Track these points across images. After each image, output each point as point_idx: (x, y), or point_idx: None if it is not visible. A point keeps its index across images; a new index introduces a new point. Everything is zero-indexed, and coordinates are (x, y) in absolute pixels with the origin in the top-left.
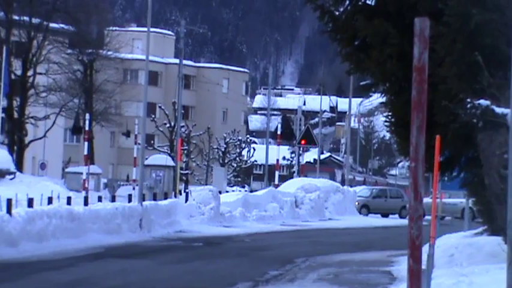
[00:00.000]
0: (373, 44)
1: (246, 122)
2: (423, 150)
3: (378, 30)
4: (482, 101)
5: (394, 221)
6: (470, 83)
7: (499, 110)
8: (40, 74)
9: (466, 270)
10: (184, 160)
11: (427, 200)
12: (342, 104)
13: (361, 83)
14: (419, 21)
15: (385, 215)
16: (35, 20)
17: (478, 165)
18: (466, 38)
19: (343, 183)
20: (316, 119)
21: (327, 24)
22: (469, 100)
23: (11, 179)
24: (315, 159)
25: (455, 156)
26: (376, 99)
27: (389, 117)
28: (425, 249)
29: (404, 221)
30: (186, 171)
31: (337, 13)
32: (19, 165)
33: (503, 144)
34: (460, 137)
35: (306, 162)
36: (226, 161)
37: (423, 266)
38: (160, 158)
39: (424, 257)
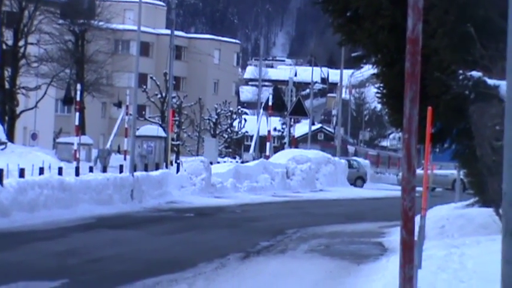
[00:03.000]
0: (365, 15)
1: (237, 93)
2: (416, 121)
3: (370, 2)
4: (474, 73)
5: (385, 192)
6: (462, 54)
7: (491, 81)
8: (31, 44)
9: (457, 242)
10: (175, 131)
11: (418, 171)
12: (333, 75)
13: (353, 54)
14: None
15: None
16: None
17: (470, 136)
18: (458, 9)
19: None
20: (308, 90)
21: None
22: (461, 72)
23: (2, 149)
24: (308, 132)
25: (446, 127)
26: (368, 70)
27: (381, 88)
28: (416, 220)
29: (397, 193)
30: (178, 142)
31: None
32: (10, 135)
33: (495, 116)
34: (452, 109)
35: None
36: (217, 132)
37: (415, 238)
38: (152, 129)
39: (416, 228)
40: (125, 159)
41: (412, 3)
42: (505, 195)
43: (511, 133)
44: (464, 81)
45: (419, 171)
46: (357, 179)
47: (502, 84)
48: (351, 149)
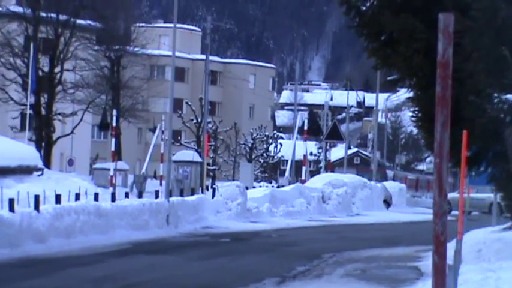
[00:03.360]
0: (399, 39)
1: (273, 118)
2: (447, 146)
3: (405, 25)
4: (509, 96)
5: (422, 216)
6: (497, 77)
7: None
8: (67, 70)
9: (493, 266)
10: (211, 156)
11: (454, 195)
12: (369, 99)
13: (388, 78)
14: (444, 17)
15: None
16: (62, 17)
17: (506, 160)
18: (493, 33)
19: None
20: (343, 114)
21: (353, 19)
22: (496, 95)
23: (39, 175)
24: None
25: (482, 151)
26: (404, 94)
27: (416, 112)
28: (452, 244)
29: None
30: (213, 167)
31: (363, 8)
32: (47, 161)
33: None
34: (488, 132)
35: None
36: (253, 157)
37: (450, 262)
38: (187, 154)
39: (451, 252)
40: (160, 184)
41: (442, 27)
42: None
43: None
44: (500, 104)
45: (455, 194)
46: (382, 202)
47: None
48: (389, 173)
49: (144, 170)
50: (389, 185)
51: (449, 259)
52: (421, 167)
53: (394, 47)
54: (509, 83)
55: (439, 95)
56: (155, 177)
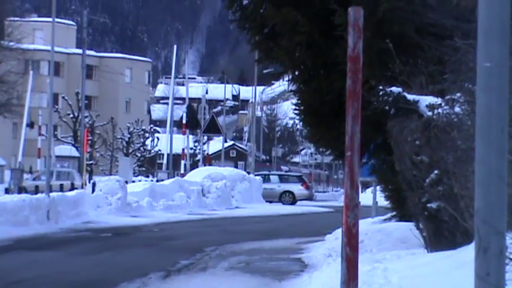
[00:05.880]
0: (282, 32)
1: (149, 112)
2: (358, 139)
3: (287, 19)
4: (394, 88)
5: (301, 208)
6: (381, 70)
7: (410, 96)
8: None
9: (378, 256)
10: (88, 150)
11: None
12: (244, 92)
13: (265, 71)
14: (353, 11)
15: None
16: None
17: (387, 151)
18: (375, 26)
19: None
20: (219, 108)
21: (235, 13)
22: (381, 87)
23: None
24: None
25: (365, 143)
26: (279, 87)
27: (299, 105)
28: (335, 235)
29: (311, 208)
30: (91, 162)
31: (245, 1)
32: None
33: (415, 130)
34: (370, 124)
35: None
36: (130, 151)
37: (333, 253)
38: (65, 149)
39: (333, 244)
40: (34, 179)
41: (352, 21)
42: (477, 212)
43: (482, 149)
44: (385, 96)
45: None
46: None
47: (422, 99)
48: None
49: (19, 160)
50: None
51: (332, 250)
52: (296, 159)
53: (277, 40)
54: (392, 75)
55: (350, 89)
56: (31, 172)
